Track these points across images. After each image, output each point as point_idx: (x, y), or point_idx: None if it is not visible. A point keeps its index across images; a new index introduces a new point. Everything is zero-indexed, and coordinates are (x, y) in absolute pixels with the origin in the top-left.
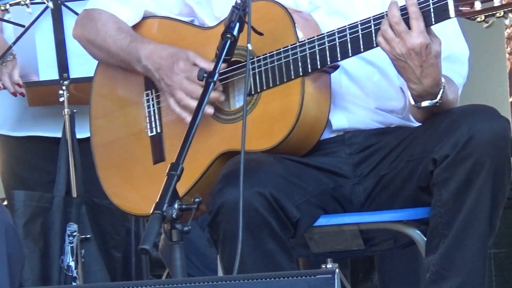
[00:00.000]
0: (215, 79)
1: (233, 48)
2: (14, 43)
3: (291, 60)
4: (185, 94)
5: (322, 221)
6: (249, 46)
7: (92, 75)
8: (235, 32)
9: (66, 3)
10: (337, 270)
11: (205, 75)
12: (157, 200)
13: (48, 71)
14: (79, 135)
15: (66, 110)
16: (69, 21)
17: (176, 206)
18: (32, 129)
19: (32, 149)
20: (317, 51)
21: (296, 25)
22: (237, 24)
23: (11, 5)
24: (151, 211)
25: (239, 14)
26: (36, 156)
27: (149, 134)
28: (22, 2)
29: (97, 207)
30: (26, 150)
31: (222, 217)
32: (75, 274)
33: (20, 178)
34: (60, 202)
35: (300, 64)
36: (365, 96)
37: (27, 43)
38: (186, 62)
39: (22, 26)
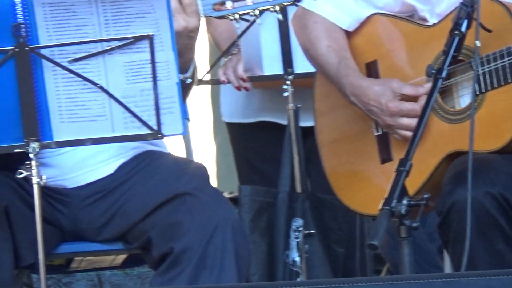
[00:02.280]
0: (443, 75)
1: (461, 45)
2: (239, 36)
3: None
4: (408, 130)
5: None
6: (478, 43)
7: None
8: (463, 29)
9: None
10: None
11: (433, 71)
12: (385, 196)
13: (272, 66)
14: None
15: (290, 105)
16: None
17: (405, 202)
18: (261, 115)
19: (262, 136)
20: None
21: None
22: (465, 21)
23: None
24: (379, 207)
25: (467, 11)
26: (266, 143)
27: (375, 134)
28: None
29: (320, 202)
30: (257, 137)
31: (453, 217)
32: (298, 270)
33: (255, 169)
34: (285, 197)
35: None
36: None
37: (251, 37)
38: (394, 102)
39: (247, 20)
